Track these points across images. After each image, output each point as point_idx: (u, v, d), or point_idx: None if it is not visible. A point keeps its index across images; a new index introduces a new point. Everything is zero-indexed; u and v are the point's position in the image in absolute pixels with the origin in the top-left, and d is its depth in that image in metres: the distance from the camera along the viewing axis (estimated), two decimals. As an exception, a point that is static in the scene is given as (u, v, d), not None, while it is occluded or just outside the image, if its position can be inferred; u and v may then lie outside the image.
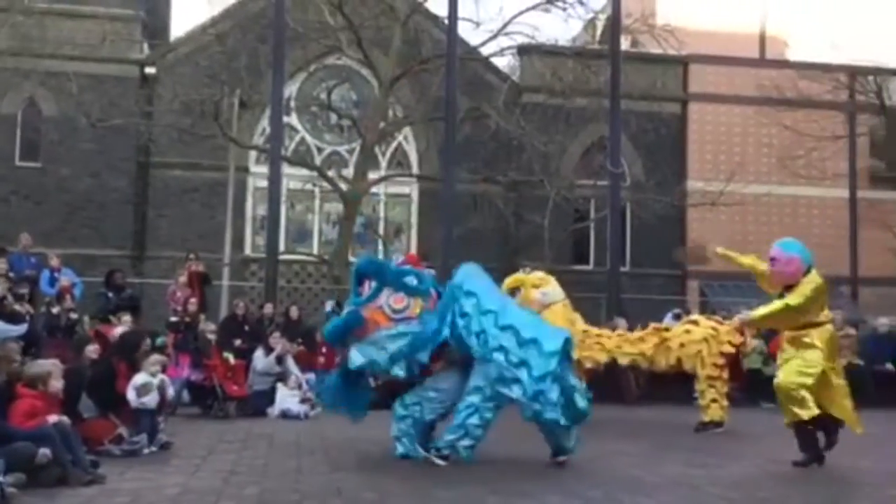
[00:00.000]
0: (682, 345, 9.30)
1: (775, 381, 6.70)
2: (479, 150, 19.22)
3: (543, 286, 9.38)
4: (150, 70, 19.86)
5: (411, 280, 6.68)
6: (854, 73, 22.19)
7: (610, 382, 12.03)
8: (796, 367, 6.55)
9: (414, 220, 21.45)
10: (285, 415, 9.66)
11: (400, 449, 6.56)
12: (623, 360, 9.77)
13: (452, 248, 12.94)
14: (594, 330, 10.03)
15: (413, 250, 21.01)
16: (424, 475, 5.91)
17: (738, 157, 22.04)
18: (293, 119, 20.75)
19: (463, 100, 15.86)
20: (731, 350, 9.25)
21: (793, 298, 6.51)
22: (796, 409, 6.42)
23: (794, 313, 6.55)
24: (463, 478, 5.78)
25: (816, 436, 6.62)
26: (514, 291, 9.37)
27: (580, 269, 21.48)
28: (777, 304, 6.63)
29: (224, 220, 18.17)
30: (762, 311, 6.81)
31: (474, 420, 6.31)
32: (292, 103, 20.27)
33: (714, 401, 9.08)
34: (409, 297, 6.61)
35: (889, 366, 12.62)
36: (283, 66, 11.78)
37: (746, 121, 22.93)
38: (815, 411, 6.43)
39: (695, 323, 9.66)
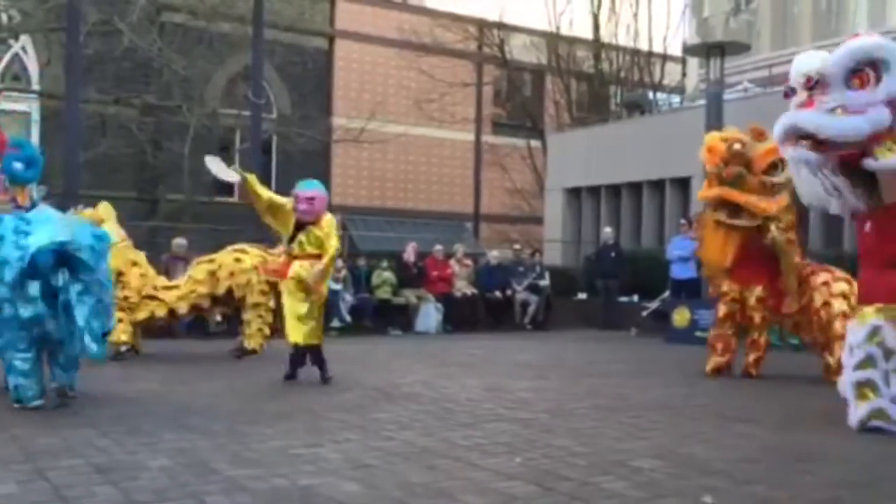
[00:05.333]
0: (231, 273, 9.22)
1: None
2: (111, 68, 17.67)
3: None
4: None
5: None
6: (482, 25, 24.18)
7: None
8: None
9: (35, 141, 19.19)
10: None
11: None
12: (183, 309, 9.26)
13: (78, 174, 11.90)
14: (159, 280, 9.36)
15: (33, 175, 18.88)
16: (25, 422, 5.41)
17: (379, 97, 22.96)
18: None
19: (91, 10, 14.39)
20: (277, 279, 9.52)
21: (331, 248, 7.38)
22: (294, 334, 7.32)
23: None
24: (69, 422, 5.41)
25: (299, 358, 7.53)
26: None
27: (224, 200, 21.00)
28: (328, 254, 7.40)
29: None
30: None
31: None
32: None
33: (259, 329, 9.29)
34: None
35: (497, 293, 14.25)
36: None
37: (388, 62, 23.92)
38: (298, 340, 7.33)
39: (244, 252, 9.53)
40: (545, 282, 14.87)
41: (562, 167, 19.00)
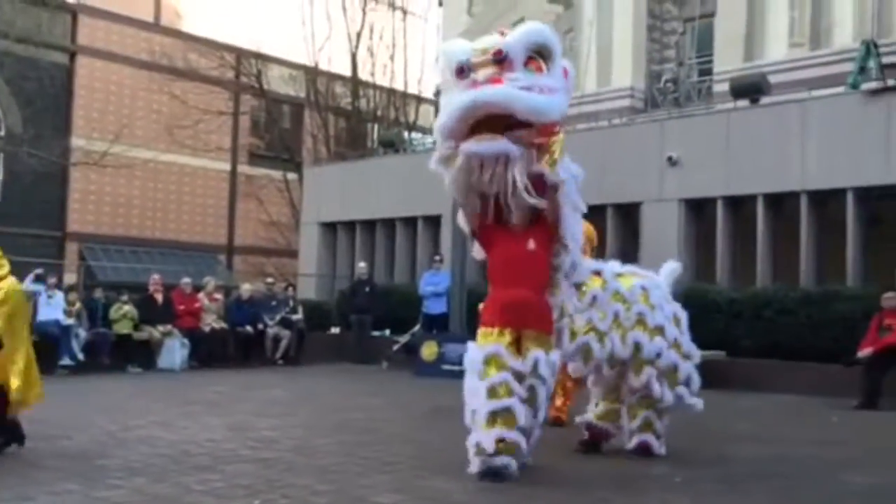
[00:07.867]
0: None
1: None
2: None
3: None
4: None
5: None
6: (239, 54, 23.73)
7: None
8: None
9: None
10: None
11: None
12: None
13: None
14: None
15: None
16: None
17: (126, 120, 21.71)
18: None
19: None
20: None
21: None
22: None
23: None
24: None
25: None
26: None
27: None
28: None
29: None
30: None
31: None
32: None
33: None
34: None
35: (248, 328, 13.84)
36: None
37: (137, 84, 22.74)
38: None
39: None
40: (298, 316, 14.67)
41: (318, 201, 18.98)
